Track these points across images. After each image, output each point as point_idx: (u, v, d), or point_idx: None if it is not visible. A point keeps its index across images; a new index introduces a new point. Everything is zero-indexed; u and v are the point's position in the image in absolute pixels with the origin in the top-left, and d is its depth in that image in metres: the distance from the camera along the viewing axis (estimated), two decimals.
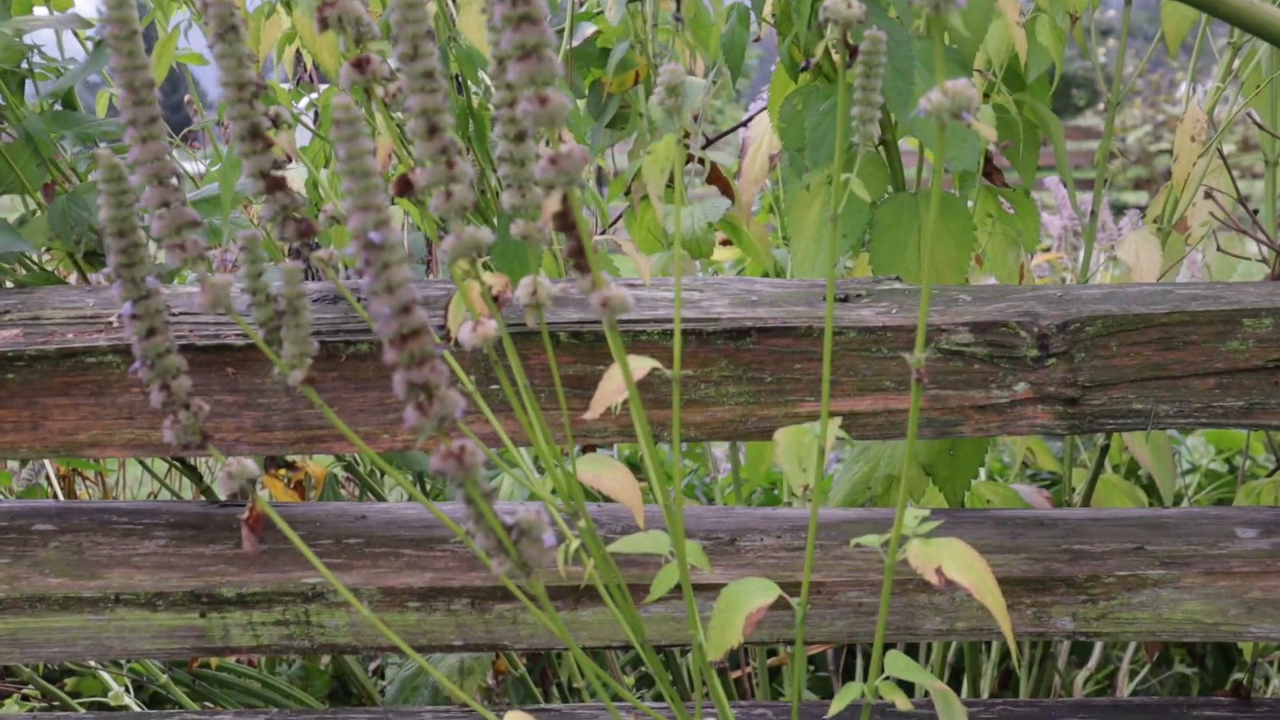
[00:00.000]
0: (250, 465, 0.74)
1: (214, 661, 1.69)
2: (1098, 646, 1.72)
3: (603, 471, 0.82)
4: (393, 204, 1.17)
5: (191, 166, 1.98)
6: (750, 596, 0.83)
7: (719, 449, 2.47)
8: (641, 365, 0.82)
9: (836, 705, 0.82)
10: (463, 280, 0.76)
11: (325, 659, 1.78)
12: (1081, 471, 1.53)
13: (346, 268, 1.09)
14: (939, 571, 0.77)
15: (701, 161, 1.81)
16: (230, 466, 0.74)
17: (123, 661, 1.63)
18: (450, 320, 0.88)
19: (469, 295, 0.77)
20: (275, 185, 0.73)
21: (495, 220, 1.13)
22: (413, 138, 0.67)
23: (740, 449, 2.05)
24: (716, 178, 1.82)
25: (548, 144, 0.65)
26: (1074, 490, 1.51)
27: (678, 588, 0.85)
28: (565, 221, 0.67)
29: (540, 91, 0.61)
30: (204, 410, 0.75)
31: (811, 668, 1.84)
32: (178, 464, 1.27)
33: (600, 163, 2.16)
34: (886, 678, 0.84)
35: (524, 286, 0.76)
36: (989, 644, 1.70)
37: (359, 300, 0.89)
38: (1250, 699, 1.13)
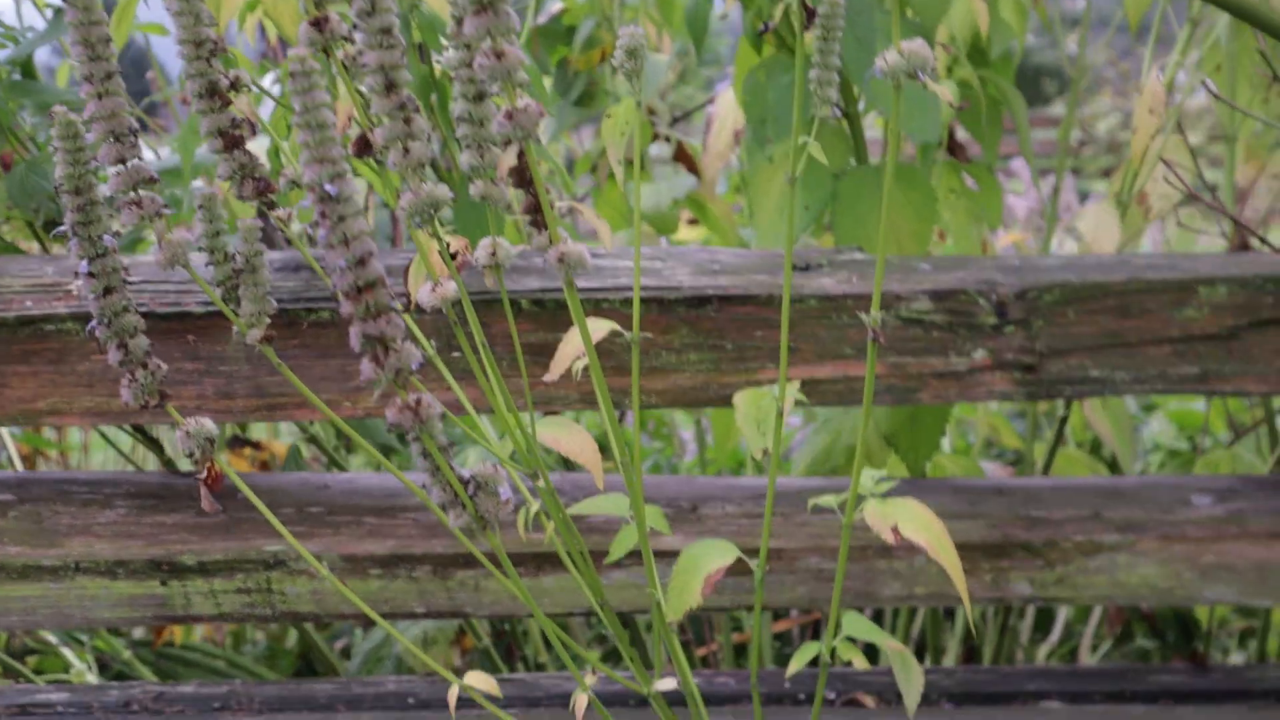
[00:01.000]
0: (208, 424, 0.74)
1: (178, 639, 1.69)
2: (1059, 621, 1.74)
3: (562, 434, 0.82)
4: (356, 176, 1.17)
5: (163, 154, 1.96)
6: (709, 558, 0.83)
7: (686, 430, 2.48)
8: (601, 327, 0.82)
9: (795, 663, 0.83)
10: (423, 242, 0.77)
11: (291, 640, 1.78)
12: (1044, 446, 1.55)
13: (312, 242, 1.09)
14: (895, 530, 0.78)
15: (668, 139, 1.81)
16: (188, 425, 0.74)
17: (85, 639, 1.63)
18: (411, 284, 0.89)
19: (429, 256, 0.78)
20: (233, 143, 0.73)
21: (457, 192, 1.13)
22: (370, 95, 0.67)
23: (707, 432, 2.06)
24: (683, 156, 1.83)
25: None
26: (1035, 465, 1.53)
27: (639, 554, 0.86)
28: (522, 177, 0.67)
29: (497, 45, 0.61)
30: (161, 369, 0.75)
31: (778, 644, 1.85)
32: (139, 435, 1.27)
33: (568, 141, 2.17)
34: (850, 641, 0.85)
35: (483, 247, 0.76)
36: (952, 618, 1.72)
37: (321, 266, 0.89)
38: (1206, 664, 1.15)
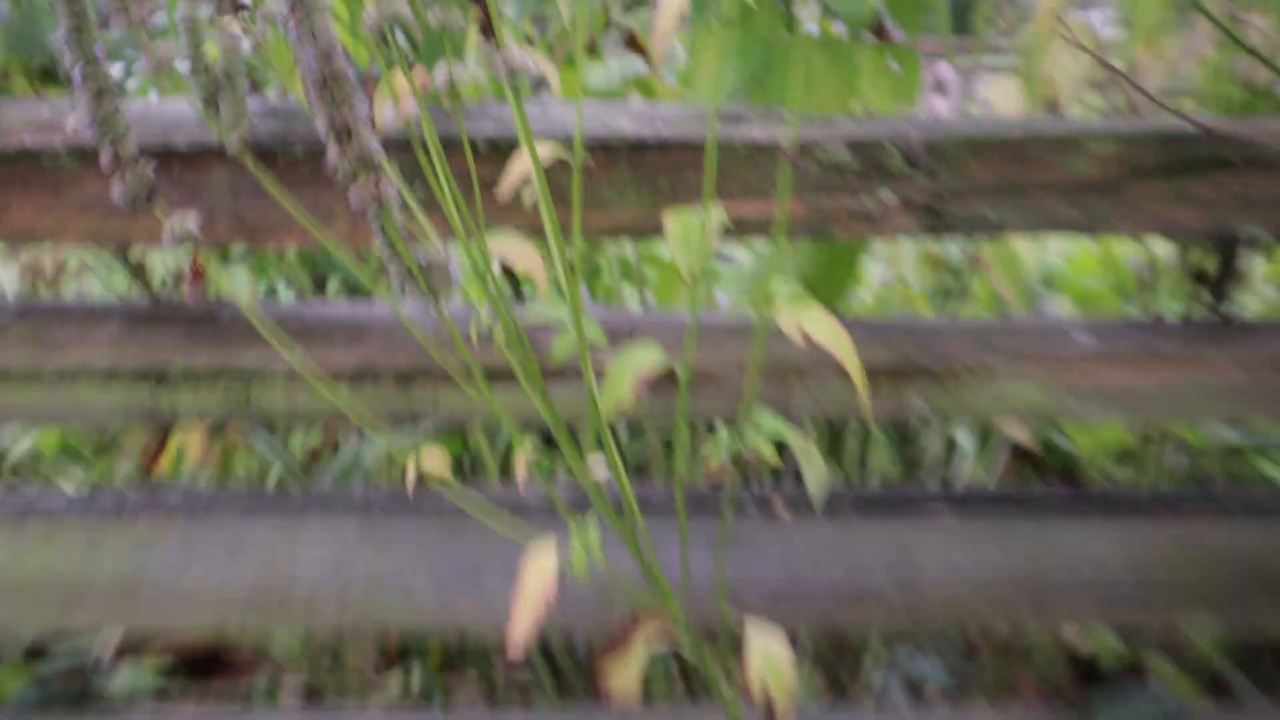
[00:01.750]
0: (191, 218, 0.76)
1: (167, 472, 1.72)
2: (959, 470, 1.80)
3: (510, 246, 0.85)
4: None
5: None
6: (640, 360, 0.86)
7: (632, 304, 2.51)
8: (549, 154, 0.85)
9: (714, 455, 0.87)
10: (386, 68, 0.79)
11: (272, 480, 1.81)
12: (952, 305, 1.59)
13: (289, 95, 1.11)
14: (803, 332, 0.81)
15: (619, 27, 1.82)
16: (173, 221, 0.76)
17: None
18: (375, 112, 0.91)
19: (391, 79, 0.80)
20: None
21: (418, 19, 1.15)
22: None
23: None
24: (634, 43, 1.84)
25: None
26: None
27: (579, 373, 0.88)
28: None
29: None
30: (149, 170, 0.77)
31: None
32: (129, 268, 1.28)
33: (529, 31, 2.16)
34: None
35: (440, 70, 0.78)
36: (865, 468, 1.78)
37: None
38: (1079, 484, 1.21)
